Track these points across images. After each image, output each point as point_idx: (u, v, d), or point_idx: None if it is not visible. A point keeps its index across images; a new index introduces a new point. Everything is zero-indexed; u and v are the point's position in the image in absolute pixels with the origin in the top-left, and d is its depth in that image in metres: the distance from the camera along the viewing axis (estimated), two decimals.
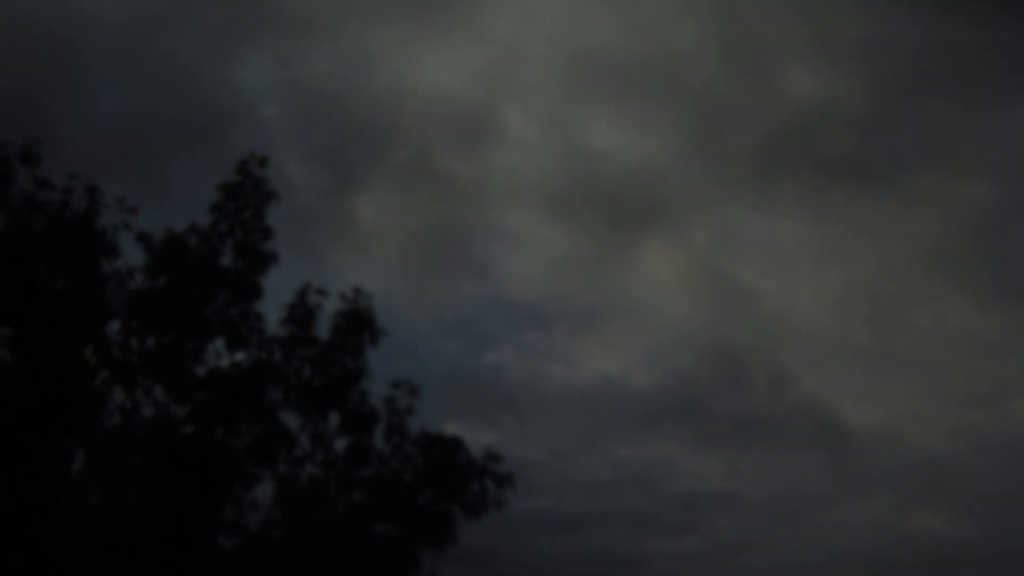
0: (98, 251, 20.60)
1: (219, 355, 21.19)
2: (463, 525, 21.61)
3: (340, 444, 21.58)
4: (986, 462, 59.14)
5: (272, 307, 21.49)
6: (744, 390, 60.78)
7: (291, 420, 21.36)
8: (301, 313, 21.73)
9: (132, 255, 20.94)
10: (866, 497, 60.19)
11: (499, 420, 50.00)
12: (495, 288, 63.32)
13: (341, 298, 21.86)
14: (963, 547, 56.20)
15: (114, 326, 20.69)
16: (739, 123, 63.10)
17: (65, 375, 19.69)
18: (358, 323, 21.79)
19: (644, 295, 64.47)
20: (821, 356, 63.93)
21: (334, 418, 21.62)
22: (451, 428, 22.00)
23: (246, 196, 21.42)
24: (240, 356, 21.29)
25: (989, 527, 56.95)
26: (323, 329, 21.77)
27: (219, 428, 20.82)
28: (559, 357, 63.63)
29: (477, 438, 21.74)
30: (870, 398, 63.00)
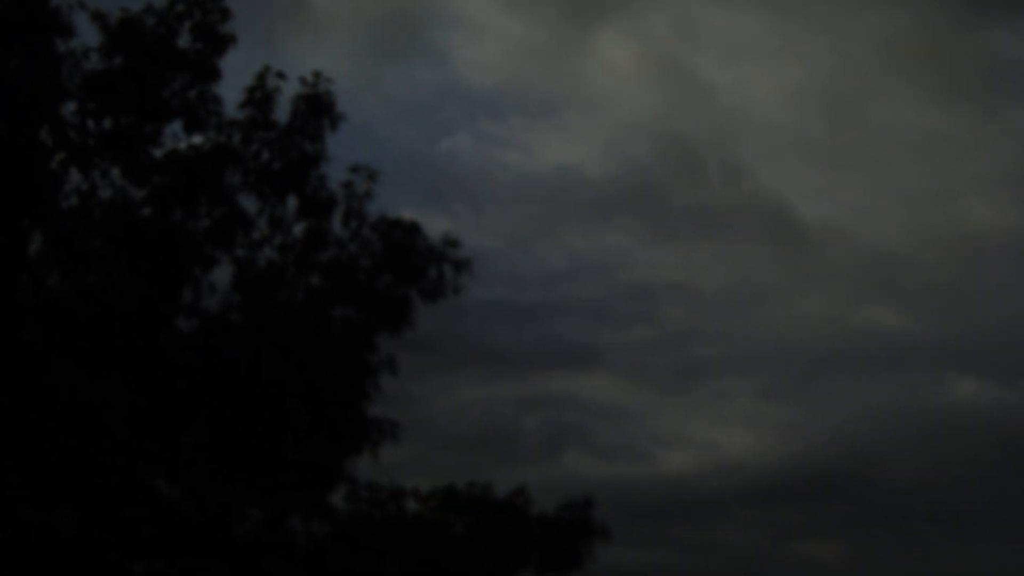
0: (52, 30, 20.22)
1: (177, 138, 21.06)
2: (420, 310, 21.89)
3: (298, 228, 21.67)
4: (937, 258, 59.74)
5: (230, 91, 21.31)
6: (699, 182, 60.78)
7: (249, 204, 21.39)
8: (260, 96, 21.51)
9: (87, 35, 20.58)
10: (817, 290, 60.91)
11: (454, 208, 50.01)
12: (451, 75, 62.27)
13: (301, 82, 21.63)
14: (911, 340, 57.25)
15: (70, 107, 20.47)
16: None
17: (20, 156, 19.61)
18: (317, 107, 21.62)
19: (601, 85, 63.71)
20: (777, 150, 63.80)
21: (292, 202, 21.65)
22: (406, 215, 22.06)
23: None
24: (198, 139, 21.20)
25: (937, 321, 57.89)
26: (282, 113, 21.64)
27: (177, 211, 20.83)
28: (515, 145, 63.18)
29: (431, 226, 21.86)
30: (824, 193, 63.05)
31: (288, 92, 21.57)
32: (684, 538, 51.50)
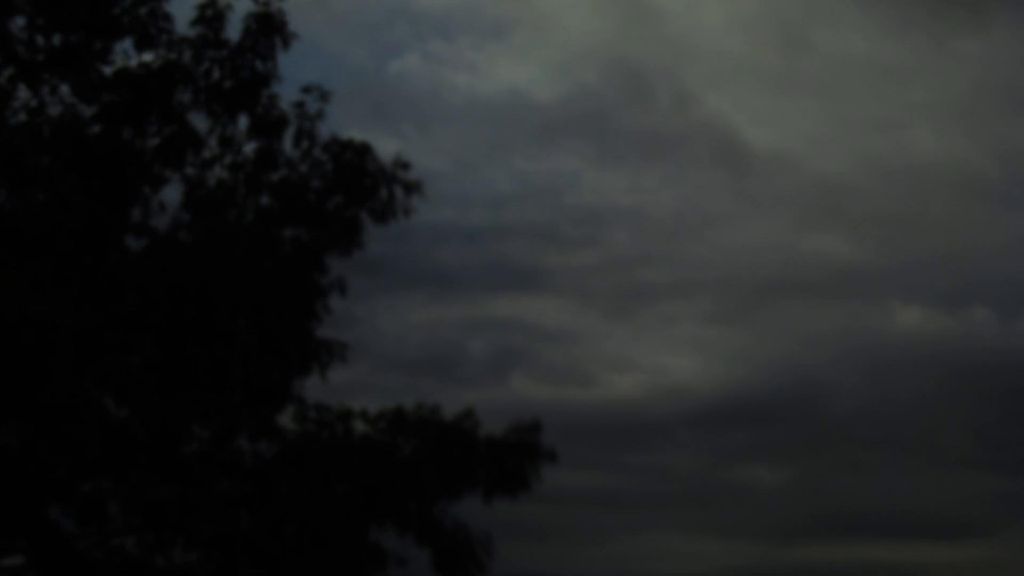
0: None
1: (127, 55, 20.99)
2: (370, 231, 21.91)
3: (249, 148, 21.63)
4: (884, 186, 60.32)
5: (181, 9, 21.20)
6: (648, 107, 60.81)
7: (200, 122, 21.33)
8: (211, 14, 21.39)
9: None
10: (765, 217, 61.44)
11: (402, 130, 49.93)
12: None
13: (253, 0, 21.51)
14: (856, 268, 57.91)
15: (19, 22, 20.29)
16: None
17: None
18: (269, 26, 21.51)
19: (551, 7, 63.53)
20: (726, 76, 63.81)
21: (243, 121, 21.59)
22: (356, 136, 22.01)
23: None
24: (149, 57, 21.10)
25: (882, 250, 58.54)
26: (233, 31, 21.52)
27: (127, 129, 20.77)
28: (464, 67, 62.99)
29: (380, 146, 21.82)
30: (773, 120, 63.33)
31: (240, 10, 21.53)
32: (629, 461, 52.20)
